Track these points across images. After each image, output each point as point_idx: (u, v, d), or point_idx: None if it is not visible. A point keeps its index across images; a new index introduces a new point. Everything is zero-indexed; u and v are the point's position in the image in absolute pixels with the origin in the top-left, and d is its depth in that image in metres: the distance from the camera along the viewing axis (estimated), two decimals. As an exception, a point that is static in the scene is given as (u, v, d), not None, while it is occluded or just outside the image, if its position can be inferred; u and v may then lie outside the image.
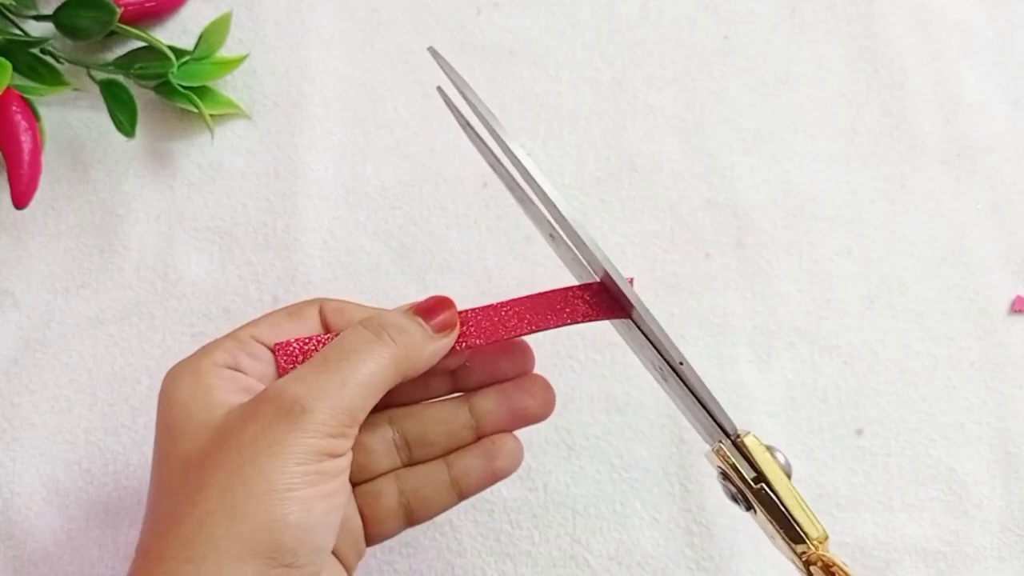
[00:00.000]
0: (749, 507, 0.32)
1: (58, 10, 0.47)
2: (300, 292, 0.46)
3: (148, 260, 0.47)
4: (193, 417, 0.29)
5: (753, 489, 0.31)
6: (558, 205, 0.31)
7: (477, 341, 0.33)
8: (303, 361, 0.31)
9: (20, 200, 0.44)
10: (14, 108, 0.44)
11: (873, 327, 0.46)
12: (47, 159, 0.47)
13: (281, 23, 0.51)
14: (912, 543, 0.43)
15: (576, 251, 0.33)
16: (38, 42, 0.46)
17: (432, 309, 0.32)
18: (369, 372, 0.30)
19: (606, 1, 0.52)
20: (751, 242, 0.47)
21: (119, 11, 0.46)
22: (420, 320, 0.32)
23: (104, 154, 0.49)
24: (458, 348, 0.33)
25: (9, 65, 0.44)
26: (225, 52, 0.50)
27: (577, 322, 0.33)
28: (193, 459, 0.29)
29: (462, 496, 0.35)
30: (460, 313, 0.33)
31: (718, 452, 0.32)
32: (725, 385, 0.45)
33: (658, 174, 0.48)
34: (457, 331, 0.32)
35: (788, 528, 0.31)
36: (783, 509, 0.31)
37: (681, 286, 0.46)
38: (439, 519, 0.40)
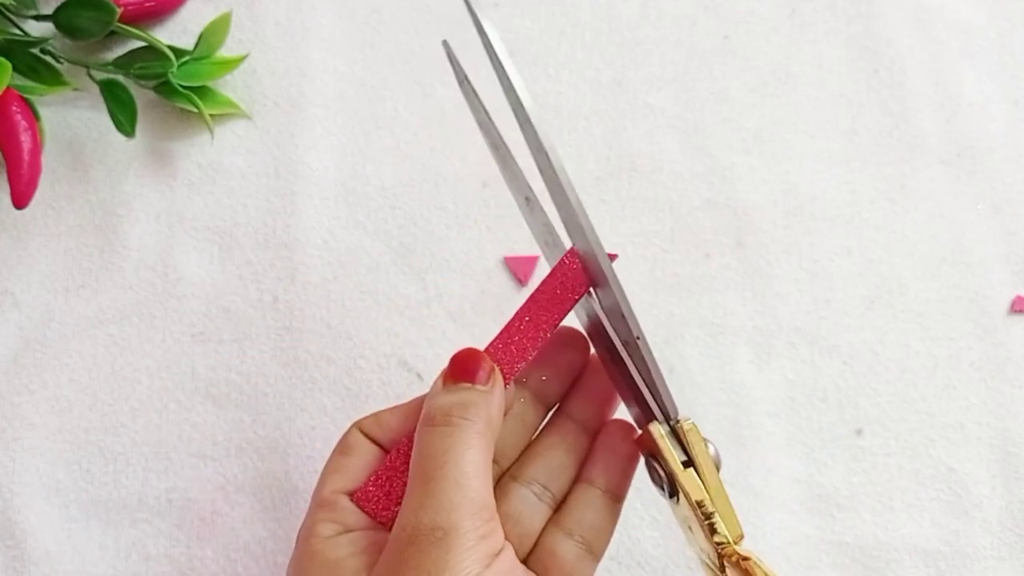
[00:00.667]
0: (673, 493, 0.31)
1: (58, 10, 0.47)
2: (300, 292, 0.46)
3: (148, 260, 0.47)
4: None
5: (682, 474, 0.31)
6: (529, 112, 0.30)
7: (519, 365, 0.32)
8: (385, 495, 0.31)
9: (20, 200, 0.44)
10: (14, 108, 0.44)
11: (873, 327, 0.46)
12: (47, 159, 0.47)
13: (281, 23, 0.51)
14: (912, 543, 0.43)
15: (550, 192, 0.32)
16: (38, 42, 0.46)
17: (466, 367, 0.31)
18: (470, 460, 0.29)
19: (606, 1, 0.52)
20: (751, 242, 0.47)
21: (119, 11, 0.46)
22: (467, 384, 0.31)
23: (104, 154, 0.49)
24: (508, 380, 0.32)
25: (9, 65, 0.44)
26: (225, 52, 0.50)
27: (581, 293, 0.32)
28: None
29: (620, 498, 0.34)
30: (486, 352, 0.32)
31: (655, 431, 0.31)
32: (725, 385, 0.45)
33: (658, 174, 0.48)
34: (498, 371, 0.31)
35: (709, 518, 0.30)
36: (708, 497, 0.30)
37: (681, 286, 0.46)
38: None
